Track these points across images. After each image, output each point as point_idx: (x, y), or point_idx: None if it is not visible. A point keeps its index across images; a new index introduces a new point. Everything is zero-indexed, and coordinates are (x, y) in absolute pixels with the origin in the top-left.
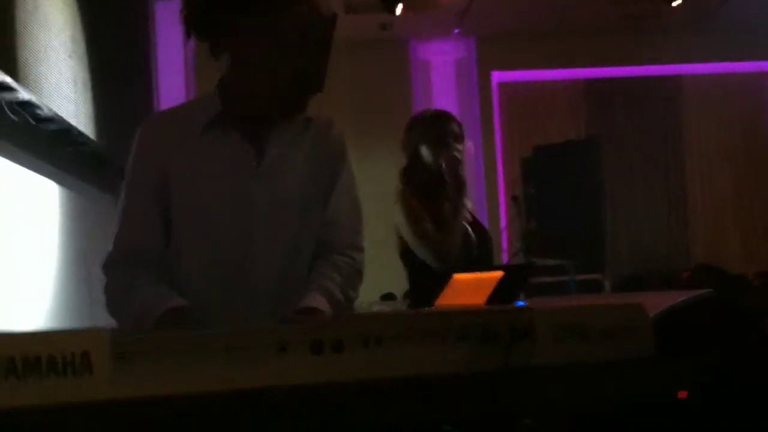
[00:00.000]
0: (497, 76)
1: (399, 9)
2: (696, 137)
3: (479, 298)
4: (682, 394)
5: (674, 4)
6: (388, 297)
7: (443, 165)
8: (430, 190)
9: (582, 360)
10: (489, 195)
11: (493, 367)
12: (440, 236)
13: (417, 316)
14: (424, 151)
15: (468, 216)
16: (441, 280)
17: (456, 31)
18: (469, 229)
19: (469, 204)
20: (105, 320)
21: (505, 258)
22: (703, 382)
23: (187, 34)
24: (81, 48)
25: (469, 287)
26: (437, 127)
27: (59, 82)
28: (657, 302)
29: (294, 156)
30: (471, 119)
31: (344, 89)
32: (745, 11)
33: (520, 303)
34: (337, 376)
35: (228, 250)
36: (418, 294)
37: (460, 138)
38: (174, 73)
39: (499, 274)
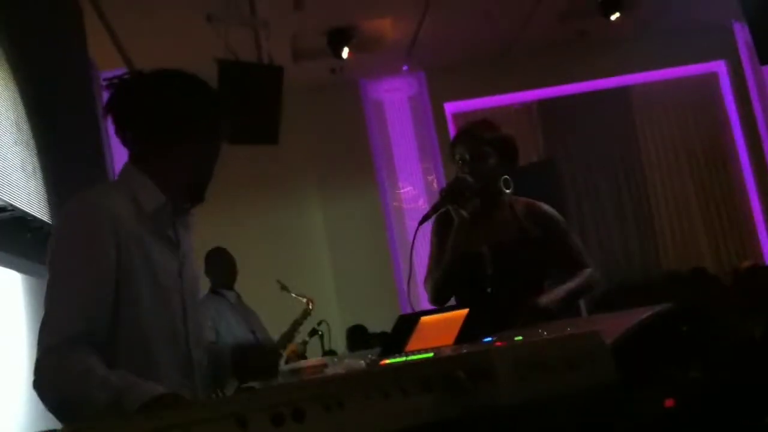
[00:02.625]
0: (450, 107)
1: (346, 52)
2: (652, 145)
3: (447, 339)
4: (669, 404)
5: (613, 18)
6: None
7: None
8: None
9: (546, 395)
10: None
11: (458, 414)
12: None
13: (375, 373)
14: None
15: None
16: (410, 325)
17: (405, 67)
18: (487, 257)
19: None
20: None
21: None
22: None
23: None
24: (26, 131)
25: (437, 328)
26: (460, 144)
27: (6, 170)
28: (622, 322)
29: (189, 242)
30: (430, 153)
31: (302, 136)
32: (685, 16)
33: (487, 339)
34: None
35: (174, 329)
36: (390, 340)
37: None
38: None
39: (464, 312)
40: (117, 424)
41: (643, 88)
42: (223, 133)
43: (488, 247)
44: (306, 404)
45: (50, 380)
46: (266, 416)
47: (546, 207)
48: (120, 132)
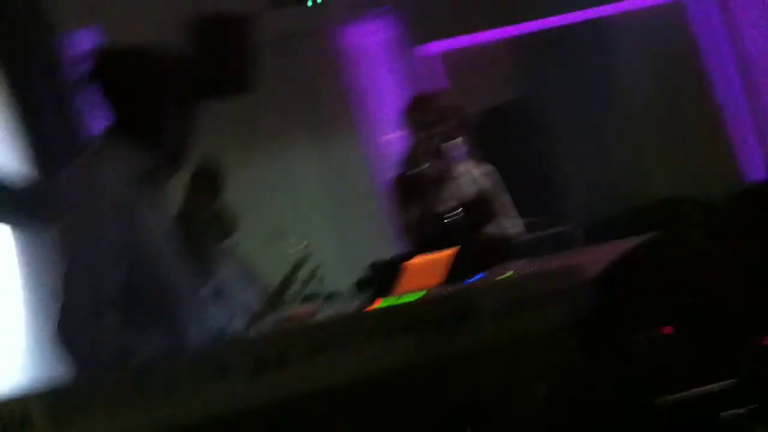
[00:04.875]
0: (432, 48)
1: None
2: (628, 70)
3: (436, 279)
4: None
5: None
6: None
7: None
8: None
9: (528, 332)
10: None
11: (441, 355)
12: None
13: (359, 317)
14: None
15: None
16: (394, 269)
17: (381, 9)
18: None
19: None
20: None
21: None
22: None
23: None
24: None
25: (425, 270)
26: (415, 111)
27: None
28: (607, 255)
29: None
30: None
31: (280, 87)
32: None
33: (479, 276)
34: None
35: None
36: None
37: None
38: None
39: (450, 251)
40: None
41: (615, 18)
42: (199, 94)
43: (457, 202)
44: (289, 350)
45: (69, 330)
46: (249, 362)
47: (488, 166)
48: (103, 100)
